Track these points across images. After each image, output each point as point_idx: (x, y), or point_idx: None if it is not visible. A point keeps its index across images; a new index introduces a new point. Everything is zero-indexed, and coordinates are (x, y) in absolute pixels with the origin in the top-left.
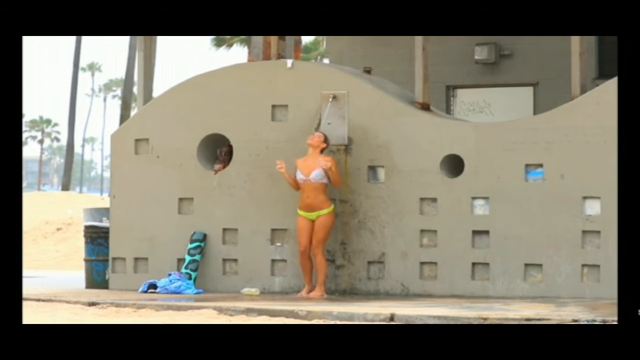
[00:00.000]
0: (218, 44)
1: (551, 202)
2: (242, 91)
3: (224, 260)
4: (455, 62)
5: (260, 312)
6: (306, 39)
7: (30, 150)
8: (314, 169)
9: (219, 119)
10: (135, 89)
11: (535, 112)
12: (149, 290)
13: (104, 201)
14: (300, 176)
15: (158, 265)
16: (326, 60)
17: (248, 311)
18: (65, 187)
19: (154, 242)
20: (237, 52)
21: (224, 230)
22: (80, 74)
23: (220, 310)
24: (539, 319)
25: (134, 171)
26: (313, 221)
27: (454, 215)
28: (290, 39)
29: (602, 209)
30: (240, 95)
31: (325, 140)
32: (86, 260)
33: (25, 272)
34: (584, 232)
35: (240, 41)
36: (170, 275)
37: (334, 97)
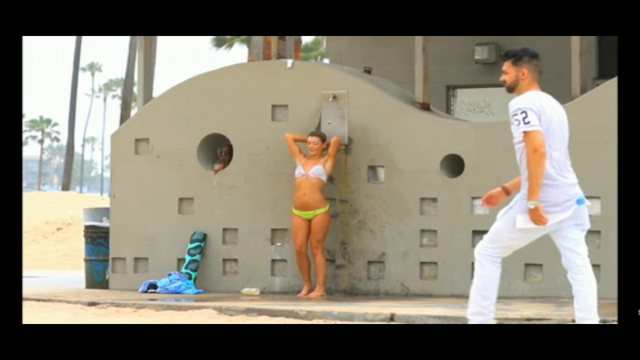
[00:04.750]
0: (218, 44)
1: None
2: (242, 91)
3: (224, 260)
4: (455, 62)
5: (260, 312)
6: (306, 39)
7: (30, 150)
8: (314, 165)
9: (219, 119)
10: (135, 89)
11: None
12: (149, 290)
13: (104, 201)
14: (299, 170)
15: (158, 265)
16: (326, 60)
17: (248, 311)
18: (65, 187)
19: (154, 242)
20: (237, 52)
21: (224, 230)
22: (80, 74)
23: (220, 310)
24: (539, 319)
25: (134, 171)
26: (309, 220)
27: (454, 215)
28: (290, 39)
29: (602, 209)
30: (240, 95)
31: (323, 140)
32: (86, 260)
33: (25, 272)
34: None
35: (240, 41)
36: (170, 275)
37: (334, 97)
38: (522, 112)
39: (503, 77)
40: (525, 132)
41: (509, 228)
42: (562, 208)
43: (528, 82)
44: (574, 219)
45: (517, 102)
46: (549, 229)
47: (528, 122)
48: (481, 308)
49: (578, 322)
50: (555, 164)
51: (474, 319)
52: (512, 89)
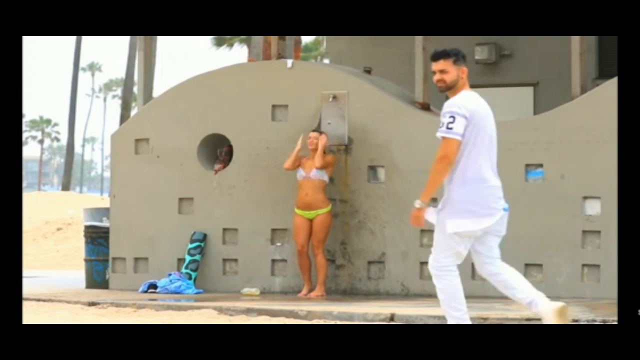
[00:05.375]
0: (218, 44)
1: (551, 202)
2: (242, 91)
3: (224, 260)
4: None
5: (260, 312)
6: (306, 39)
7: (30, 150)
8: (315, 166)
9: (219, 119)
10: (135, 89)
11: (535, 112)
12: (149, 290)
13: (104, 201)
14: (301, 173)
15: (158, 265)
16: (326, 60)
17: (248, 311)
18: (66, 187)
19: (154, 242)
20: (237, 52)
21: (224, 230)
22: (80, 74)
23: (220, 310)
24: (539, 319)
25: (134, 171)
26: (310, 220)
27: None
28: (290, 39)
29: (602, 209)
30: (240, 95)
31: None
32: (86, 260)
33: (25, 272)
34: (584, 232)
35: (240, 41)
36: (170, 275)
37: (334, 97)
38: (450, 116)
39: (441, 77)
40: (443, 137)
41: (444, 233)
42: (490, 212)
43: (464, 81)
44: (495, 225)
45: (452, 105)
46: (479, 233)
47: (451, 129)
48: (456, 320)
49: (526, 304)
50: (488, 165)
51: None
52: (450, 88)
